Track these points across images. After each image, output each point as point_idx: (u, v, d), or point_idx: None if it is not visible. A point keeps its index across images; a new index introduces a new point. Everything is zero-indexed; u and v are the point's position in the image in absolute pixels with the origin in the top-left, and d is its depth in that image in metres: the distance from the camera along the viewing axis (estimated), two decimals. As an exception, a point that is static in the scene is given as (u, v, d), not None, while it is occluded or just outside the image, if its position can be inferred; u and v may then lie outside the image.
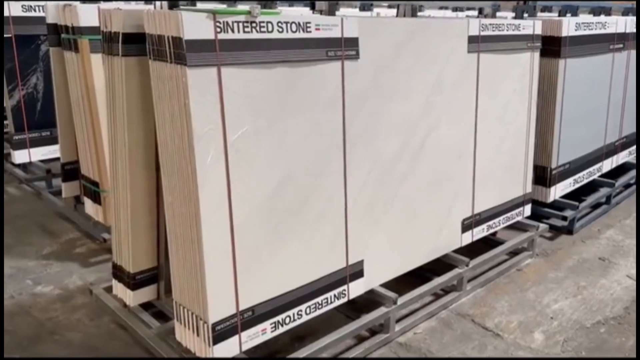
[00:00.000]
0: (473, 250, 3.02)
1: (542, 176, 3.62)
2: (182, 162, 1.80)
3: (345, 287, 2.34)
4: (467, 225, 2.94)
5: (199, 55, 1.70)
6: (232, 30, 1.77)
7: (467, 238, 2.97)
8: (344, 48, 2.12)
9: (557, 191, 3.69)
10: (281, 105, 1.96)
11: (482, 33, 2.74)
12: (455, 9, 5.75)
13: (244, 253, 1.92)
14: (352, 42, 2.14)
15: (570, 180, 3.81)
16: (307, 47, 1.99)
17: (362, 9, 4.77)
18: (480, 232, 3.05)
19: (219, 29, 1.74)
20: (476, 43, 2.72)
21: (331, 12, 2.29)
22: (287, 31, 1.92)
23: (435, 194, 2.71)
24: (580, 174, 3.92)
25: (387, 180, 2.43)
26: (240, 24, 1.79)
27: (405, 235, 2.58)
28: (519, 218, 3.35)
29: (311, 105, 2.06)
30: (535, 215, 3.50)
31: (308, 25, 1.98)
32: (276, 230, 2.02)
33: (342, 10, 4.95)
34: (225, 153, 1.82)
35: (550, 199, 3.64)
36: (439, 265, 2.84)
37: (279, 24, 1.89)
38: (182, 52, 1.68)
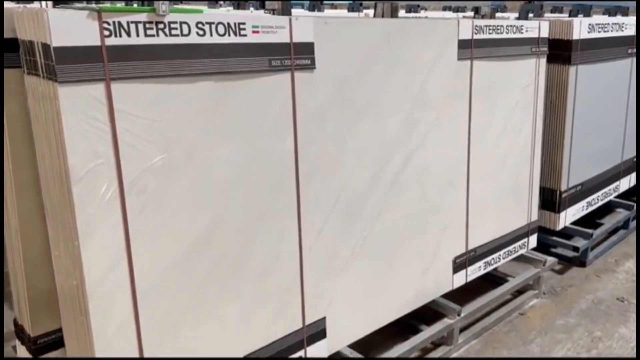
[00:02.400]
0: (467, 287, 2.55)
1: (550, 200, 3.14)
2: (64, 209, 1.35)
3: (302, 352, 1.87)
4: (460, 264, 2.47)
5: (77, 67, 1.25)
6: (128, 34, 1.32)
7: (460, 279, 2.50)
8: (294, 56, 1.66)
9: (568, 217, 3.21)
10: (207, 131, 1.51)
11: (476, 36, 2.28)
12: (457, 10, 5.30)
13: (154, 326, 1.47)
14: (306, 48, 1.69)
15: (583, 203, 3.32)
16: (241, 55, 1.54)
17: (351, 9, 4.32)
18: (476, 270, 2.58)
19: (107, 32, 1.29)
20: (468, 48, 2.25)
21: (285, 11, 1.83)
22: (211, 34, 1.46)
23: (419, 230, 2.24)
24: (594, 196, 3.43)
25: (355, 218, 1.97)
26: (141, 26, 1.34)
27: (380, 283, 2.12)
28: (523, 251, 2.87)
29: (250, 129, 1.61)
30: (541, 244, 3.02)
31: (242, 26, 1.52)
32: (202, 294, 1.57)
33: (331, 11, 4.52)
34: (121, 196, 1.36)
35: (560, 226, 3.16)
36: (427, 308, 2.38)
37: (199, 26, 1.44)
38: (51, 63, 1.23)
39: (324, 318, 1.92)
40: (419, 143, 2.15)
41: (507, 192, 2.66)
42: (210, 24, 1.46)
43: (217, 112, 1.52)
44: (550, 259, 2.93)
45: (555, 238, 3.24)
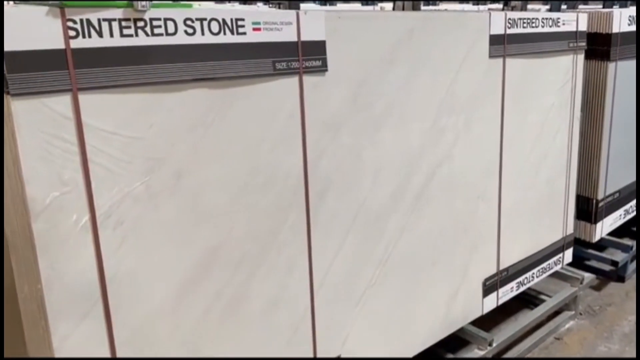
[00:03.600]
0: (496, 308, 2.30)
1: (586, 210, 2.86)
2: (26, 245, 1.12)
3: (314, 395, 1.64)
4: (491, 286, 2.21)
5: (34, 76, 1.02)
6: (100, 34, 1.09)
7: (491, 303, 2.24)
8: (303, 57, 1.42)
9: (605, 227, 2.93)
10: (199, 148, 1.27)
11: (509, 31, 2.01)
12: (477, 1, 5.02)
13: (138, 379, 1.24)
14: (316, 48, 1.44)
15: (620, 211, 3.04)
16: (240, 57, 1.29)
17: (365, 3, 4.06)
18: (507, 292, 2.32)
19: (73, 33, 1.05)
20: (501, 44, 1.99)
21: (293, 5, 1.59)
22: (202, 33, 1.22)
23: (446, 250, 1.99)
24: (632, 203, 3.14)
25: (374, 241, 1.73)
26: (115, 24, 1.10)
27: (402, 313, 1.87)
28: (558, 267, 2.60)
29: (251, 144, 1.36)
30: (575, 257, 2.75)
31: (240, 23, 1.28)
32: (194, 341, 1.33)
33: (340, 6, 4.24)
34: (94, 230, 1.13)
35: (596, 238, 2.88)
36: (452, 335, 2.13)
37: (188, 23, 1.20)
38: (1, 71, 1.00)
39: (339, 357, 1.68)
40: (446, 152, 1.90)
41: (541, 204, 2.40)
42: (201, 20, 1.22)
43: (211, 125, 1.28)
44: (588, 276, 2.66)
45: (590, 251, 2.97)
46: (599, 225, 2.88)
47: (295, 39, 1.39)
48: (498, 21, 1.96)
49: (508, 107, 2.09)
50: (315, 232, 1.54)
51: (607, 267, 2.96)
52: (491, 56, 1.97)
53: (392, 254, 1.79)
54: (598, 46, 2.65)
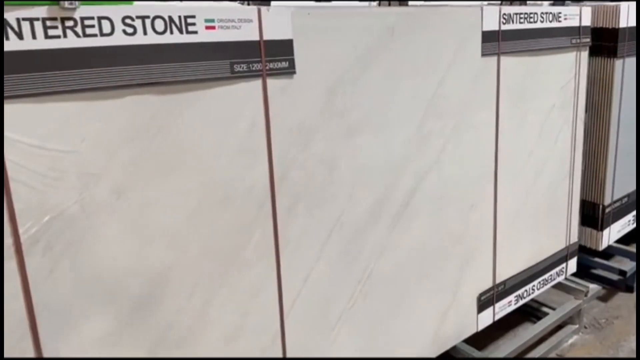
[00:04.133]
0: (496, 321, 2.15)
1: (592, 216, 2.70)
2: (-58, 275, 0.99)
3: None
4: (486, 301, 2.06)
5: (-63, 84, 0.89)
6: (20, 36, 0.96)
7: (487, 319, 2.09)
8: (267, 58, 1.28)
9: (612, 234, 2.76)
10: (143, 161, 1.14)
11: (504, 27, 1.86)
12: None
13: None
14: (282, 48, 1.30)
15: (629, 217, 2.87)
16: (190, 59, 1.16)
17: (362, -1, 3.91)
18: (505, 307, 2.17)
19: (-15, 33, 0.93)
20: (495, 42, 1.84)
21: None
22: (145, 32, 1.09)
23: (435, 265, 1.84)
24: (642, 208, 2.97)
25: (353, 257, 1.59)
26: (39, 24, 0.97)
27: (385, 334, 1.72)
28: (561, 278, 2.45)
29: (205, 155, 1.23)
30: (580, 266, 2.59)
31: (190, 21, 1.15)
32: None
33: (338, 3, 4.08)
34: (19, 257, 1.00)
35: (603, 246, 2.72)
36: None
37: (127, 21, 1.07)
38: None
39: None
40: (434, 160, 1.75)
41: (542, 211, 2.24)
42: (143, 18, 1.08)
43: (157, 135, 1.15)
44: (593, 288, 2.50)
45: (597, 259, 2.81)
46: (605, 232, 2.72)
47: (256, 38, 1.25)
48: (491, 16, 1.81)
49: (504, 109, 1.94)
50: (284, 250, 1.40)
51: (615, 277, 2.80)
52: (484, 54, 1.81)
53: (374, 271, 1.65)
54: (604, 42, 2.48)
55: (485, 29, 1.80)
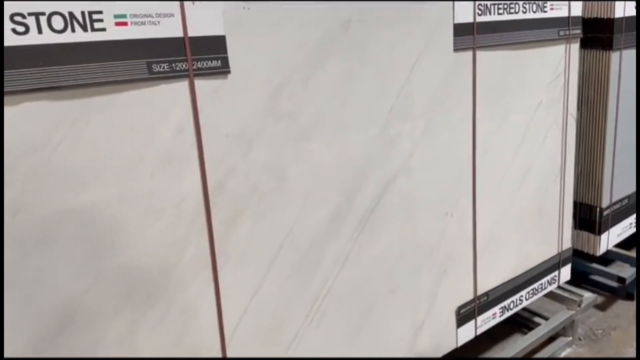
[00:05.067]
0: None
1: (589, 219, 2.53)
2: None
3: None
4: (467, 314, 1.92)
5: None
6: None
7: (468, 333, 1.94)
8: (193, 56, 1.15)
9: (611, 239, 2.59)
10: (43, 174, 1.02)
11: (480, 18, 1.71)
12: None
13: None
14: (212, 45, 1.17)
15: (630, 220, 2.69)
16: (97, 59, 1.03)
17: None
18: (488, 319, 2.02)
19: None
20: (469, 35, 1.69)
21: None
22: (40, 31, 0.97)
23: (406, 277, 1.70)
24: (644, 210, 2.80)
25: (308, 272, 1.45)
26: None
27: (349, 353, 1.59)
28: (553, 287, 2.29)
29: (121, 166, 1.10)
30: (577, 272, 2.43)
31: (97, 17, 1.02)
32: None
33: None
34: None
35: (601, 251, 2.55)
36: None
37: (17, 19, 0.94)
38: None
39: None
40: (402, 164, 1.61)
41: (530, 217, 2.08)
42: (37, 15, 0.96)
43: (61, 146, 1.03)
44: (588, 297, 2.33)
45: (595, 265, 2.64)
46: (604, 236, 2.55)
47: (180, 34, 1.13)
48: (464, 7, 1.66)
49: (481, 108, 1.79)
50: (224, 266, 1.28)
51: (614, 284, 2.63)
52: (457, 49, 1.67)
53: (334, 285, 1.51)
54: (598, 33, 2.32)
55: (458, 21, 1.65)
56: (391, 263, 1.65)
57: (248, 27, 1.23)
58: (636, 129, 2.48)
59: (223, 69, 1.20)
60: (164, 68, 1.11)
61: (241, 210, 1.28)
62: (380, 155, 1.55)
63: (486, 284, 1.97)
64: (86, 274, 1.09)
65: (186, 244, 1.21)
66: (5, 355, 1.00)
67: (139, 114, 1.10)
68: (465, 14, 1.66)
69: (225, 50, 1.19)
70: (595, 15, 2.29)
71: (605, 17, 2.29)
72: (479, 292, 1.94)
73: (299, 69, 1.33)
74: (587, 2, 2.25)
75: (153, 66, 1.10)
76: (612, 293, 2.64)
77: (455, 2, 1.62)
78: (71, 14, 0.99)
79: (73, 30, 1.00)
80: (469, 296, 1.92)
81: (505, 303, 2.07)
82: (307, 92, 1.36)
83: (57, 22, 0.98)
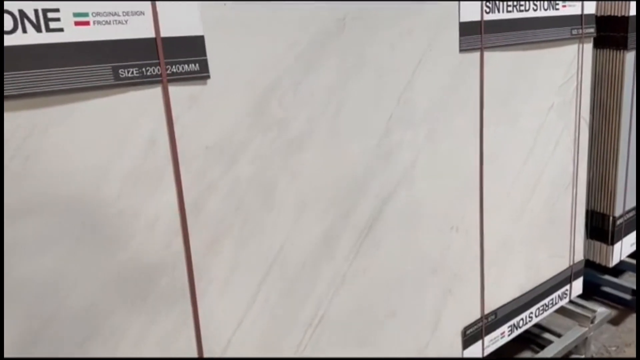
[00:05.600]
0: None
1: (601, 228, 2.40)
2: None
3: None
4: (473, 335, 1.78)
5: None
6: None
7: (475, 354, 1.81)
8: (167, 59, 1.02)
9: (624, 249, 2.45)
10: (-2, 195, 0.89)
11: (488, 17, 1.58)
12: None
13: None
14: (189, 47, 1.04)
15: (644, 228, 2.56)
16: (54, 64, 0.90)
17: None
18: (497, 339, 1.88)
19: None
20: (476, 35, 1.56)
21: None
22: (-17, 31, 0.84)
23: (408, 298, 1.57)
24: (659, 217, 2.66)
25: (301, 296, 1.32)
26: None
27: (347, 382, 1.46)
28: (564, 302, 2.15)
29: (84, 183, 0.97)
30: (588, 284, 2.30)
31: (53, 15, 0.89)
32: None
33: None
34: None
35: (614, 262, 2.41)
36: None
37: (-45, 16, 0.82)
38: None
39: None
40: (403, 175, 1.48)
41: (540, 229, 1.95)
42: (-21, 12, 0.83)
43: (13, 161, 0.90)
44: (600, 312, 2.20)
45: (607, 277, 2.51)
46: (616, 246, 2.41)
47: (151, 34, 0.99)
48: (471, 5, 1.53)
49: (489, 113, 1.66)
50: (205, 293, 1.15)
51: (627, 296, 2.50)
52: (462, 50, 1.53)
53: (329, 310, 1.38)
54: (612, 32, 2.18)
55: (464, 19, 1.52)
56: (391, 283, 1.52)
57: (230, 26, 1.10)
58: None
59: (201, 74, 1.06)
60: (132, 73, 0.98)
61: (224, 231, 1.15)
62: (379, 167, 1.42)
63: (494, 302, 1.83)
64: (46, 304, 0.96)
65: (161, 270, 1.08)
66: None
67: (105, 125, 0.97)
68: (472, 11, 1.53)
69: (204, 52, 1.06)
70: (609, 13, 2.16)
71: (620, 15, 2.15)
72: (487, 311, 1.81)
73: (289, 73, 1.20)
74: (598, 0, 2.12)
75: (120, 71, 0.97)
76: (625, 306, 2.50)
77: (461, 0, 1.49)
78: (22, 13, 0.86)
79: (24, 30, 0.87)
80: (476, 315, 1.78)
81: (514, 321, 1.93)
82: (299, 98, 1.23)
83: (7, 23, 0.85)
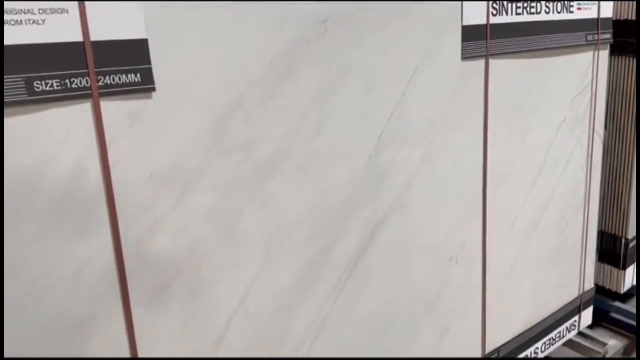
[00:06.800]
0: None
1: (612, 251, 2.20)
2: None
3: None
4: (472, 377, 1.59)
5: None
6: None
7: (473, 397, 1.62)
8: (99, 68, 0.82)
9: (636, 274, 2.26)
10: None
11: (495, 20, 1.38)
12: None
13: None
14: (128, 53, 0.84)
15: (658, 250, 2.36)
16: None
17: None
18: (498, 380, 1.69)
19: None
20: (480, 40, 1.36)
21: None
22: None
23: (400, 337, 1.37)
24: (674, 238, 2.46)
25: (274, 343, 1.12)
26: None
27: None
28: (572, 334, 1.96)
29: (-6, 224, 0.78)
30: (596, 310, 2.11)
31: (-61, 11, 0.69)
32: None
33: None
34: None
35: (626, 287, 2.21)
36: None
37: None
38: None
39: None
40: (395, 201, 1.28)
41: (548, 256, 1.75)
42: None
43: None
44: (612, 345, 2.00)
45: (617, 304, 2.31)
46: (629, 270, 2.22)
47: (78, 37, 0.79)
48: (476, 7, 1.33)
49: (494, 129, 1.46)
50: (148, 352, 0.94)
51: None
52: (465, 57, 1.33)
53: (308, 355, 1.18)
54: (627, 37, 1.98)
55: (467, 22, 1.32)
56: (381, 324, 1.32)
57: (184, 28, 0.90)
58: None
59: (144, 85, 0.86)
60: (52, 86, 0.78)
61: (172, 278, 0.95)
62: (367, 192, 1.22)
63: (496, 339, 1.63)
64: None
65: (94, 326, 0.88)
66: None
67: (16, 151, 0.77)
68: (476, 14, 1.33)
69: (148, 60, 0.86)
70: (625, 17, 1.96)
71: (636, 18, 1.95)
72: (488, 350, 1.61)
73: (259, 85, 1.00)
74: (615, 1, 1.92)
75: (35, 84, 0.76)
76: (632, 332, 2.31)
77: (465, 1, 1.29)
78: None
79: None
80: (476, 354, 1.58)
81: (519, 357, 1.73)
82: (270, 114, 1.02)
83: None
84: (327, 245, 1.16)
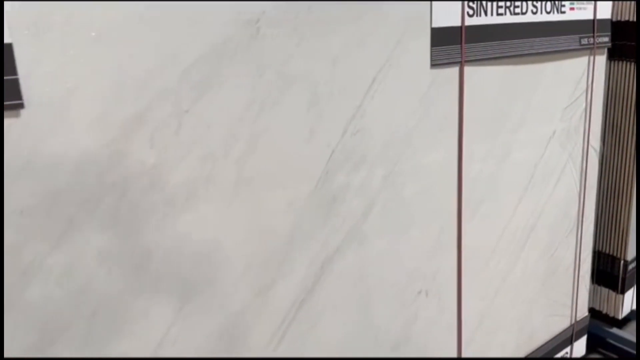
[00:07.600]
0: None
1: (610, 273, 2.02)
2: None
3: None
4: (445, 423, 1.41)
5: None
6: None
7: None
8: (-57, 81, 0.64)
9: (635, 298, 2.08)
10: None
11: (471, 21, 1.20)
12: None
13: None
14: (-14, 61, 0.67)
15: (659, 272, 2.17)
16: None
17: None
18: None
19: None
20: (453, 44, 1.17)
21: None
22: None
23: (357, 388, 1.20)
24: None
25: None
26: None
27: None
28: (563, 367, 1.78)
29: None
30: (592, 336, 1.93)
31: None
32: None
33: None
34: None
35: (624, 312, 2.04)
36: None
37: None
38: None
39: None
40: (350, 231, 1.10)
41: (535, 284, 1.57)
42: None
43: None
44: (609, 381, 1.82)
45: (614, 330, 2.13)
46: (627, 294, 2.04)
47: None
48: (447, 5, 1.15)
49: (470, 146, 1.28)
50: None
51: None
52: (435, 64, 1.15)
53: (239, 418, 1.01)
54: (626, 41, 1.79)
55: (438, 24, 1.14)
56: (334, 370, 1.15)
57: (65, 32, 0.72)
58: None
59: (9, 102, 0.69)
60: None
61: (59, 332, 0.78)
62: (316, 222, 1.04)
63: (475, 379, 1.46)
64: None
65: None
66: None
67: None
68: (449, 14, 1.15)
69: (13, 70, 0.69)
70: (627, 18, 1.77)
71: (636, 19, 1.77)
72: (465, 391, 1.44)
73: (169, 98, 0.83)
74: (614, 1, 1.73)
75: None
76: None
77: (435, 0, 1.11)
78: None
79: None
80: (450, 399, 1.41)
81: (500, 399, 1.56)
82: (184, 133, 0.85)
83: None
84: (262, 288, 0.99)
